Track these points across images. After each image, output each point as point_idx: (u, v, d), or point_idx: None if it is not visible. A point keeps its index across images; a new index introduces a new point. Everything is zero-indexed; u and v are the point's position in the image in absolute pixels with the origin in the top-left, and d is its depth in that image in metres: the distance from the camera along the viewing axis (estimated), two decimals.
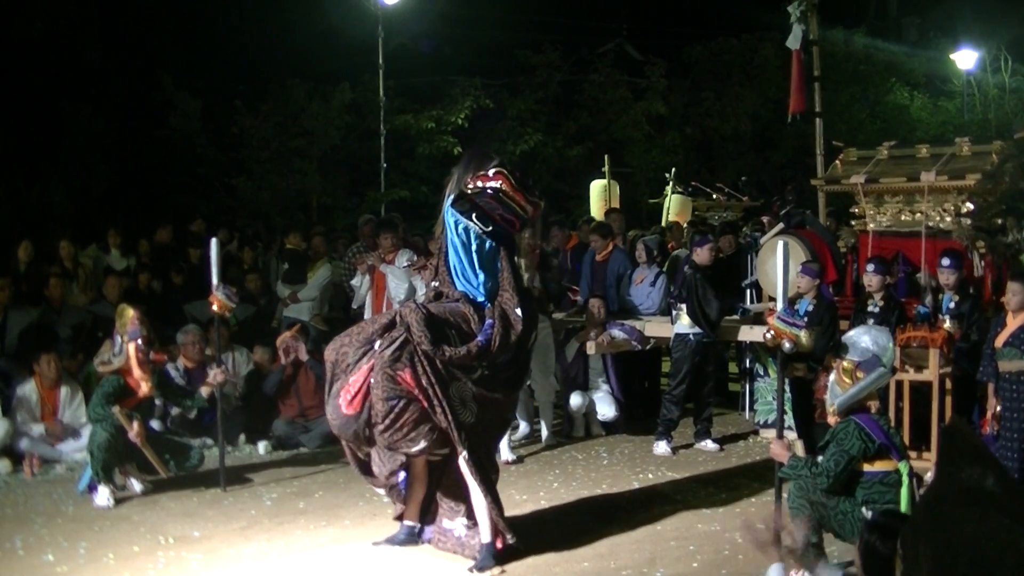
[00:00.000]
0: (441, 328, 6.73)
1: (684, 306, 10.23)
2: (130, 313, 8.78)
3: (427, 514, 7.42)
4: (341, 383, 6.76)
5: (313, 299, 12.50)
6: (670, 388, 10.46)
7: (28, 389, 9.90)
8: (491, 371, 6.89)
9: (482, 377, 6.84)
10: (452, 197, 7.03)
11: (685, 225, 16.46)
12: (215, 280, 8.87)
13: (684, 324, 10.26)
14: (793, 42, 12.52)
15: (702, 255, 10.30)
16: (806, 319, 8.30)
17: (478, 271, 6.99)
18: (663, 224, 17.08)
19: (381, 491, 7.53)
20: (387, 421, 6.62)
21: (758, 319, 10.69)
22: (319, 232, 13.82)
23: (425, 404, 6.60)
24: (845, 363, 6.53)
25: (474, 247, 6.94)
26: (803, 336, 6.82)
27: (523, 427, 10.75)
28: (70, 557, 7.22)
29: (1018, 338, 8.17)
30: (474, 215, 6.85)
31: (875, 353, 6.51)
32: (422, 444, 6.78)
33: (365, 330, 6.98)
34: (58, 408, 9.99)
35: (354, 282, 11.70)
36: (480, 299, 6.98)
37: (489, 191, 6.89)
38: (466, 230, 6.90)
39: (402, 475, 7.26)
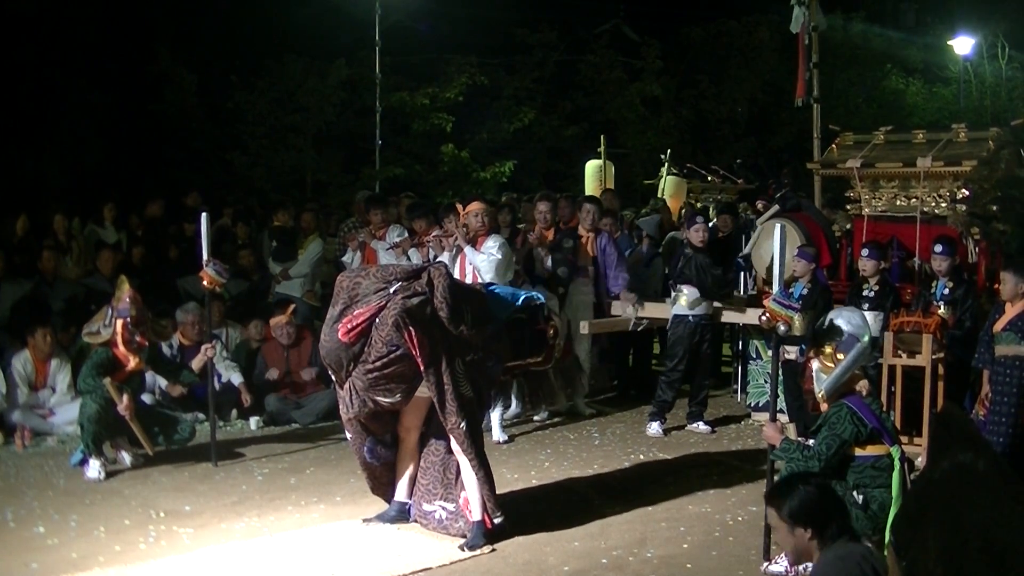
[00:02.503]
0: (460, 303, 6.79)
1: (683, 288, 10.25)
2: (126, 288, 8.77)
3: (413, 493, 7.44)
4: (347, 311, 6.75)
5: (304, 275, 12.44)
6: (667, 369, 10.47)
7: (23, 361, 9.92)
8: (478, 361, 6.94)
9: (473, 359, 6.87)
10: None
11: (682, 207, 16.44)
12: (205, 255, 8.87)
13: (682, 305, 10.28)
14: (795, 25, 12.51)
15: (696, 235, 10.32)
16: (800, 303, 8.32)
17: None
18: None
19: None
20: (378, 363, 6.64)
21: (752, 301, 10.72)
22: (309, 208, 13.78)
23: (422, 366, 6.61)
24: (826, 349, 6.56)
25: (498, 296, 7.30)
26: (796, 319, 6.84)
27: (515, 406, 10.75)
28: (61, 530, 7.22)
29: (1016, 324, 8.20)
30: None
31: (850, 333, 6.55)
32: (397, 397, 6.83)
33: (385, 271, 7.06)
34: (47, 379, 10.04)
35: (345, 258, 11.67)
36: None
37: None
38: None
39: (367, 447, 7.23)
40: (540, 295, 7.80)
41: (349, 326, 6.69)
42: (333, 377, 7.07)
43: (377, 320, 6.63)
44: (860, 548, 4.00)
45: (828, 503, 4.39)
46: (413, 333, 6.54)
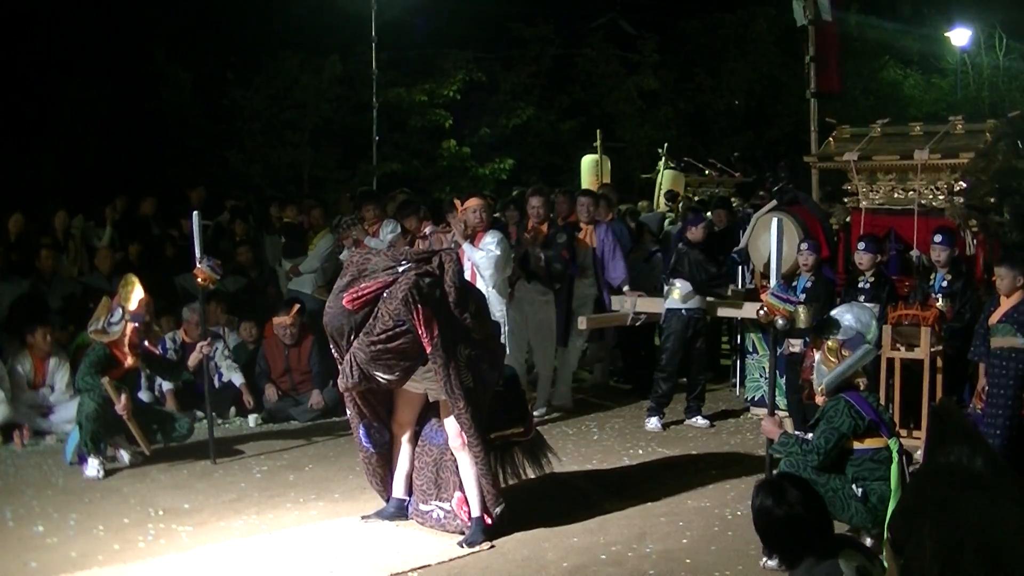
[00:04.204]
0: (466, 292, 6.84)
1: (676, 281, 10.25)
2: (141, 295, 8.77)
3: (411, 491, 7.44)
4: (355, 283, 6.78)
5: (315, 271, 12.38)
6: (661, 364, 10.47)
7: (21, 360, 9.91)
8: (476, 358, 6.92)
9: (472, 355, 6.85)
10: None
11: (680, 202, 16.44)
12: (198, 253, 8.86)
13: (675, 299, 10.28)
14: (799, 19, 12.58)
15: (696, 233, 10.32)
16: (803, 296, 8.32)
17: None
18: (656, 200, 17.12)
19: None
20: (383, 336, 6.62)
21: (750, 295, 10.73)
22: (316, 204, 13.76)
23: (428, 347, 6.61)
24: (830, 342, 6.57)
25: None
26: (801, 312, 6.85)
27: None
28: (60, 528, 7.21)
29: (1011, 316, 8.20)
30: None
31: (858, 331, 6.57)
32: (395, 375, 6.81)
33: (396, 251, 7.21)
34: (46, 378, 10.02)
35: (342, 256, 11.63)
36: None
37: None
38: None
39: (362, 430, 7.24)
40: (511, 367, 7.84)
41: (355, 295, 6.71)
42: (334, 349, 7.06)
43: (386, 294, 6.64)
44: (824, 570, 3.80)
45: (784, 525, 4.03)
46: (421, 311, 6.53)
